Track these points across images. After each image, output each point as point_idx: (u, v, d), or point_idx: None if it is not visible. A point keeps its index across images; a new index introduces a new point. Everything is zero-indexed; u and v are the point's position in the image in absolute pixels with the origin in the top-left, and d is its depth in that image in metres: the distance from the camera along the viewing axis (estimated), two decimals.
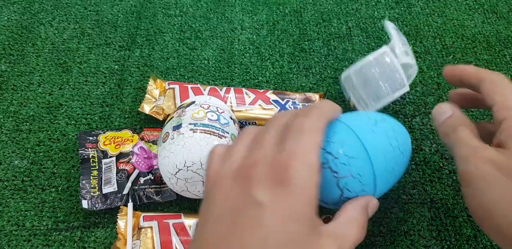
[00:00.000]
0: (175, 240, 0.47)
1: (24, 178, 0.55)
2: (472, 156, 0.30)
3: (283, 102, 0.61)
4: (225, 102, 0.59)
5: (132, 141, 0.55)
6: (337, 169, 0.33)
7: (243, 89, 0.62)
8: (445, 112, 0.36)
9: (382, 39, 0.74)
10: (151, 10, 0.77)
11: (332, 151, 0.33)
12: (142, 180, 0.52)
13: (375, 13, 0.78)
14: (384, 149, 0.35)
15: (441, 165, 0.58)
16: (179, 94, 0.60)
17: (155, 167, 0.53)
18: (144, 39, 0.72)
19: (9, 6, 0.75)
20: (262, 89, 0.64)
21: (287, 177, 0.27)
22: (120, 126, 0.61)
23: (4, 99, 0.63)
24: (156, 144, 0.55)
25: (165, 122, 0.53)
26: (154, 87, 0.62)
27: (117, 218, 0.49)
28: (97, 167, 0.53)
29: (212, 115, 0.50)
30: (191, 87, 0.61)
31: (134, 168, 0.53)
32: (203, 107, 0.51)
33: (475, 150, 0.30)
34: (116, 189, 0.51)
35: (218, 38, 0.73)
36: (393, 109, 0.64)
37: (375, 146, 0.34)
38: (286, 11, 0.78)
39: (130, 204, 0.50)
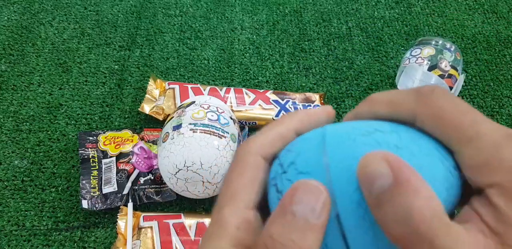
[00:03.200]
0: (175, 240, 0.47)
1: (24, 178, 0.55)
2: None
3: (283, 102, 0.61)
4: (225, 102, 0.59)
5: (132, 141, 0.55)
6: (282, 187, 0.20)
7: (243, 89, 0.62)
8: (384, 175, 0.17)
9: (382, 39, 0.74)
10: (151, 10, 0.77)
11: (283, 163, 0.20)
12: (142, 180, 0.52)
13: (375, 13, 0.78)
14: None
15: None
16: (179, 94, 0.60)
17: (155, 167, 0.53)
18: (144, 39, 0.72)
19: (9, 6, 0.75)
20: (262, 89, 0.64)
21: None
22: (120, 126, 0.61)
23: (4, 99, 0.63)
24: (156, 144, 0.55)
25: (165, 122, 0.53)
26: (154, 87, 0.62)
27: (117, 218, 0.49)
28: (97, 167, 0.53)
29: (212, 115, 0.50)
30: (191, 87, 0.61)
31: (134, 168, 0.53)
32: (203, 107, 0.51)
33: None
34: (116, 189, 0.51)
35: (218, 38, 0.73)
36: None
37: (345, 162, 0.18)
38: (286, 11, 0.78)
39: (130, 204, 0.50)
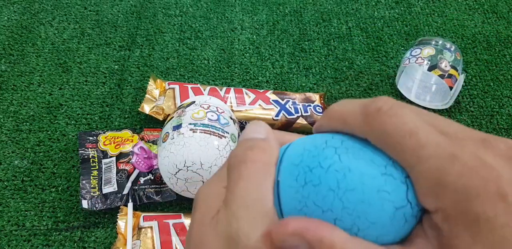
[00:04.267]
0: (175, 240, 0.47)
1: (24, 178, 0.55)
2: None
3: (283, 102, 0.61)
4: (225, 102, 0.59)
5: (132, 141, 0.55)
6: None
7: (243, 89, 0.62)
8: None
9: (382, 39, 0.74)
10: (151, 10, 0.77)
11: None
12: (142, 180, 0.52)
13: (375, 13, 0.78)
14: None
15: None
16: (179, 94, 0.60)
17: (155, 167, 0.53)
18: (144, 39, 0.72)
19: (9, 6, 0.75)
20: (262, 89, 0.64)
21: None
22: (120, 126, 0.61)
23: (4, 99, 0.63)
24: (156, 144, 0.55)
25: (165, 122, 0.53)
26: (154, 87, 0.62)
27: (117, 218, 0.49)
28: (97, 167, 0.53)
29: (212, 115, 0.50)
30: (191, 87, 0.61)
31: (134, 168, 0.53)
32: (203, 107, 0.51)
33: None
34: (116, 189, 0.51)
35: (218, 38, 0.73)
36: None
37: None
38: (286, 11, 0.78)
39: (130, 204, 0.50)
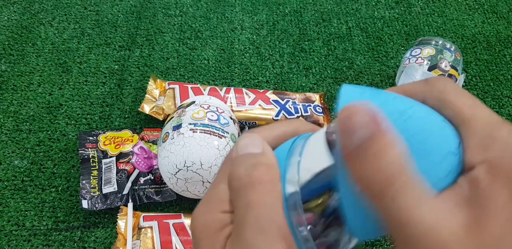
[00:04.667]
0: (175, 240, 0.47)
1: (24, 178, 0.55)
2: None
3: (283, 102, 0.61)
4: (225, 102, 0.59)
5: (132, 141, 0.55)
6: None
7: (243, 89, 0.62)
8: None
9: (382, 39, 0.74)
10: (151, 10, 0.77)
11: None
12: (142, 180, 0.52)
13: (375, 13, 0.78)
14: None
15: None
16: (179, 94, 0.60)
17: (155, 167, 0.53)
18: (144, 39, 0.72)
19: (9, 6, 0.75)
20: (262, 89, 0.64)
21: None
22: (120, 126, 0.61)
23: (4, 99, 0.63)
24: (156, 144, 0.55)
25: (165, 122, 0.53)
26: (154, 87, 0.62)
27: (117, 218, 0.49)
28: (97, 167, 0.53)
29: (212, 115, 0.50)
30: (191, 87, 0.61)
31: (134, 168, 0.53)
32: (203, 107, 0.51)
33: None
34: (116, 189, 0.51)
35: (218, 38, 0.73)
36: None
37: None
38: (286, 11, 0.78)
39: (130, 204, 0.50)
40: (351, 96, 0.18)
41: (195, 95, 0.59)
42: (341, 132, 0.16)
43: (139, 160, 0.53)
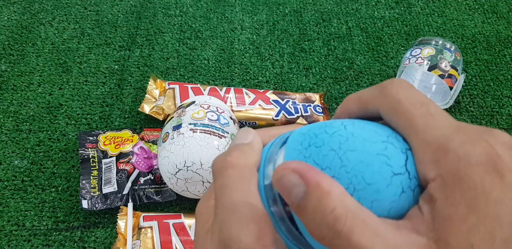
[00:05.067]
0: (175, 240, 0.47)
1: (24, 178, 0.55)
2: None
3: (283, 102, 0.61)
4: (225, 102, 0.59)
5: (132, 141, 0.55)
6: None
7: (243, 89, 0.62)
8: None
9: (382, 39, 0.74)
10: (151, 10, 0.77)
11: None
12: (142, 180, 0.52)
13: (375, 13, 0.78)
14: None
15: None
16: (179, 94, 0.60)
17: (155, 167, 0.53)
18: (144, 39, 0.72)
19: (9, 6, 0.75)
20: (262, 89, 0.64)
21: None
22: (120, 126, 0.61)
23: (4, 99, 0.63)
24: (156, 144, 0.55)
25: (165, 122, 0.53)
26: (154, 87, 0.62)
27: (117, 218, 0.49)
28: (97, 167, 0.53)
29: (212, 115, 0.50)
30: (191, 87, 0.61)
31: (134, 168, 0.53)
32: (203, 107, 0.51)
33: None
34: (116, 189, 0.51)
35: (218, 38, 0.73)
36: None
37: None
38: (286, 11, 0.78)
39: (130, 204, 0.50)
40: (291, 151, 0.18)
41: (195, 95, 0.59)
42: (281, 193, 0.16)
43: (139, 160, 0.53)
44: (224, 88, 0.61)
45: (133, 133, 0.57)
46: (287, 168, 0.16)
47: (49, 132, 0.59)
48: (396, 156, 0.17)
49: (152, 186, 0.52)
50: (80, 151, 0.54)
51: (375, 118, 0.19)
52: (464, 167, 0.15)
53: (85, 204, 0.50)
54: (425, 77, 0.65)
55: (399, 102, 0.17)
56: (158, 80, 0.63)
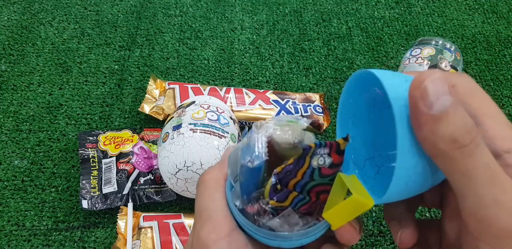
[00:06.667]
0: (175, 240, 0.47)
1: (24, 178, 0.55)
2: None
3: (283, 102, 0.61)
4: (225, 102, 0.59)
5: (132, 141, 0.55)
6: None
7: (243, 89, 0.62)
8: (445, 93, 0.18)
9: (382, 39, 0.74)
10: (151, 10, 0.77)
11: None
12: (142, 180, 0.52)
13: (375, 13, 0.78)
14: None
15: None
16: (179, 94, 0.60)
17: (155, 167, 0.53)
18: (144, 39, 0.72)
19: (9, 6, 0.75)
20: (262, 89, 0.64)
21: None
22: (120, 126, 0.61)
23: (4, 99, 0.63)
24: (156, 144, 0.55)
25: (165, 122, 0.53)
26: (154, 87, 0.62)
27: (117, 218, 0.49)
28: (97, 167, 0.53)
29: (212, 115, 0.50)
30: (191, 87, 0.61)
31: (134, 168, 0.53)
32: (203, 107, 0.51)
33: None
34: (116, 189, 0.51)
35: (218, 38, 0.73)
36: None
37: None
38: (286, 11, 0.78)
39: (130, 204, 0.50)
40: (387, 75, 0.20)
41: (195, 95, 0.59)
42: (421, 98, 0.18)
43: (139, 160, 0.53)
44: (224, 88, 0.61)
45: (133, 133, 0.57)
46: (436, 77, 0.17)
47: (49, 132, 0.59)
48: None
49: (152, 186, 0.52)
50: (80, 151, 0.54)
51: None
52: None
53: (85, 204, 0.50)
54: None
55: (469, 96, 0.21)
56: (158, 80, 0.63)
